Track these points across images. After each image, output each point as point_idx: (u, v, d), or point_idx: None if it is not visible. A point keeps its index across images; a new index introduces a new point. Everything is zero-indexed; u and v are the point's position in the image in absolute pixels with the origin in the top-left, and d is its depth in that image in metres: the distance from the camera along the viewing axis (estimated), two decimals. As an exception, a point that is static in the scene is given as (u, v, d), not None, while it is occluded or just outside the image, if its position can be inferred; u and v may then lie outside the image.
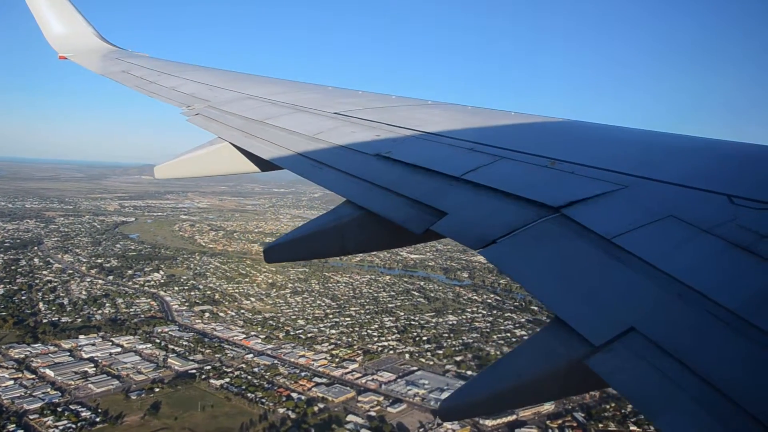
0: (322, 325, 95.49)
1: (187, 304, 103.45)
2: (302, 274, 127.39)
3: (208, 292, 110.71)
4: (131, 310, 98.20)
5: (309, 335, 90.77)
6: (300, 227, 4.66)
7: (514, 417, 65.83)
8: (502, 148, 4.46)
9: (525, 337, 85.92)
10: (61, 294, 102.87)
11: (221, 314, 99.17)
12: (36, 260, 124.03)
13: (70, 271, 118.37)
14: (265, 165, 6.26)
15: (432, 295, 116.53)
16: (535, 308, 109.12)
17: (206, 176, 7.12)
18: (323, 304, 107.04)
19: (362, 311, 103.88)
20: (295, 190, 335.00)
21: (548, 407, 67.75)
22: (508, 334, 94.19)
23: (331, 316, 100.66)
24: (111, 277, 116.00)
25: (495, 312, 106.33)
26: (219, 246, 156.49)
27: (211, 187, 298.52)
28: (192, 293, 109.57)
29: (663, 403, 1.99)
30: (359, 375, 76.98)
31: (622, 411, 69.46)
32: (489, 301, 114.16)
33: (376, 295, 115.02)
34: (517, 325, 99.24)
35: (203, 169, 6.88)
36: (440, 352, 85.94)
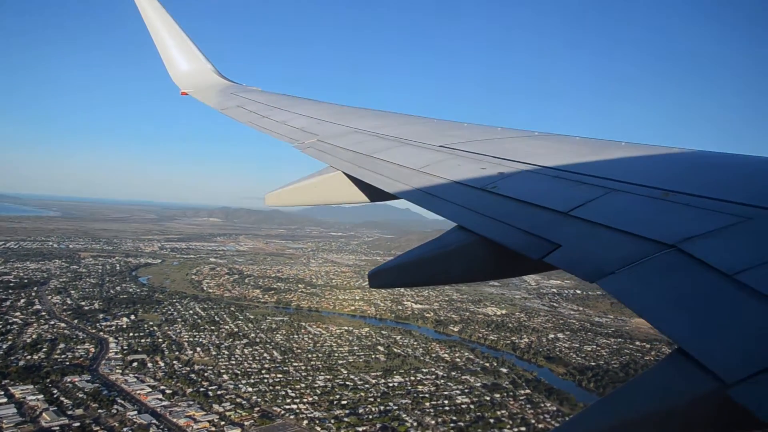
0: (244, 382, 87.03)
1: (125, 351, 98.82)
2: (275, 324, 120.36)
3: (159, 340, 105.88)
4: (63, 356, 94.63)
5: (219, 393, 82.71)
6: (406, 253, 4.61)
7: None
8: (611, 179, 4.37)
9: (463, 405, 73.38)
10: (10, 337, 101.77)
11: (149, 364, 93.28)
12: (21, 301, 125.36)
13: (44, 313, 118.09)
14: (374, 195, 6.45)
15: (397, 351, 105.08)
16: (503, 370, 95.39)
17: (315, 205, 7.14)
18: (269, 358, 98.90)
19: (303, 367, 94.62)
20: (353, 234, 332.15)
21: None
22: (446, 402, 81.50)
23: (264, 371, 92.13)
24: (77, 321, 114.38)
25: (453, 374, 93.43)
26: (220, 291, 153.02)
27: (266, 230, 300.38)
28: (142, 340, 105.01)
29: None
30: (229, 444, 67.89)
31: None
32: (457, 359, 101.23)
33: (334, 349, 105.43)
34: (466, 389, 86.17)
35: (314, 197, 6.88)
36: (347, 420, 75.01)
